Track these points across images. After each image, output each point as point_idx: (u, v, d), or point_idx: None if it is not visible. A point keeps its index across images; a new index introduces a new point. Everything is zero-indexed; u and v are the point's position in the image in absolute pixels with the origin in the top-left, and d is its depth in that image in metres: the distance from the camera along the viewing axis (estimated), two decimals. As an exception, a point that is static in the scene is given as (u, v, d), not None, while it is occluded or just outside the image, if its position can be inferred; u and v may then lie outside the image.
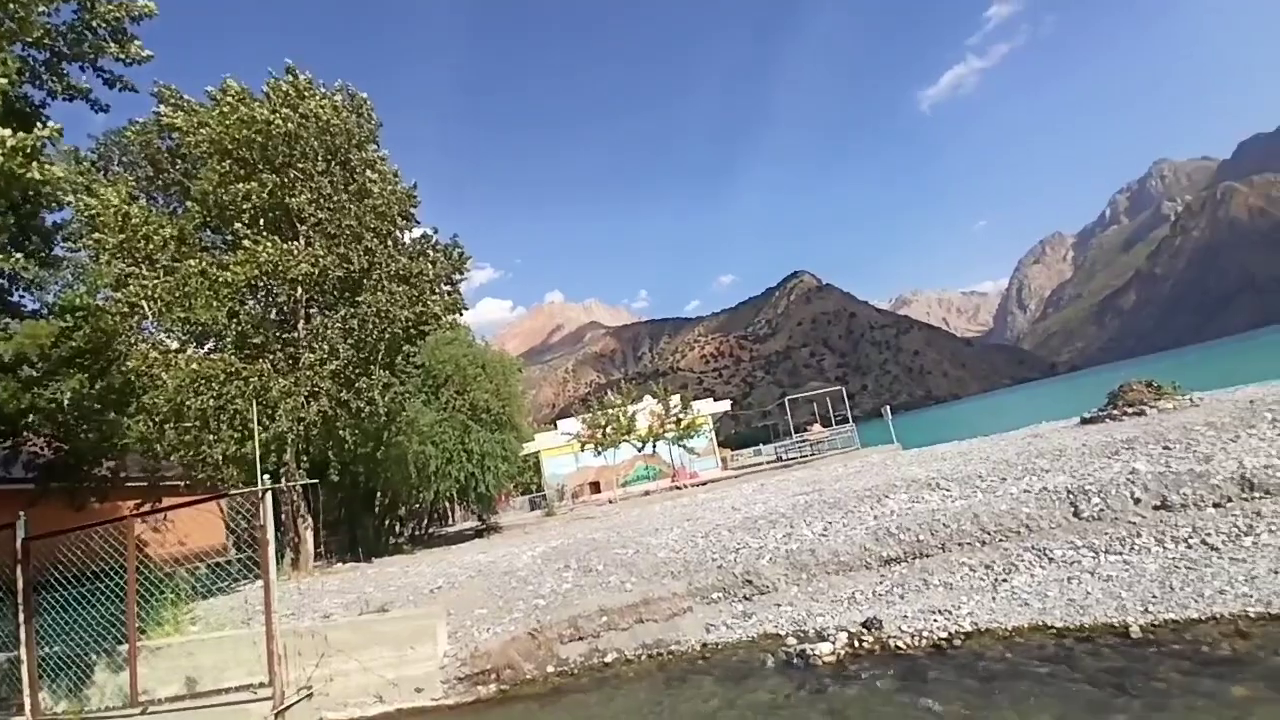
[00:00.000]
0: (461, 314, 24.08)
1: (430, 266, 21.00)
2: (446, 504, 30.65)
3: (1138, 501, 7.97)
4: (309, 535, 17.28)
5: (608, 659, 7.61)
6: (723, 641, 7.53)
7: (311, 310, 19.17)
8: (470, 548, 17.39)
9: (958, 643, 6.25)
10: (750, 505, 13.14)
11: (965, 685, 5.44)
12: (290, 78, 18.68)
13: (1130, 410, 14.22)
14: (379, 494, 21.27)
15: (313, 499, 18.32)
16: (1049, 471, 9.85)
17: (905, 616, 6.97)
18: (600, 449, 28.30)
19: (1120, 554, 7.27)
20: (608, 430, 28.20)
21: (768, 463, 30.82)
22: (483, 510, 23.35)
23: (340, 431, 17.42)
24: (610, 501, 26.28)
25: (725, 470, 31.94)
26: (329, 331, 17.94)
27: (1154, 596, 6.17)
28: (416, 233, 22.70)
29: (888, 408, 29.33)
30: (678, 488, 27.06)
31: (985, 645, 6.09)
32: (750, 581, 8.54)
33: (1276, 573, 5.96)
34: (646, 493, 27.44)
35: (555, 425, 36.37)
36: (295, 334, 18.25)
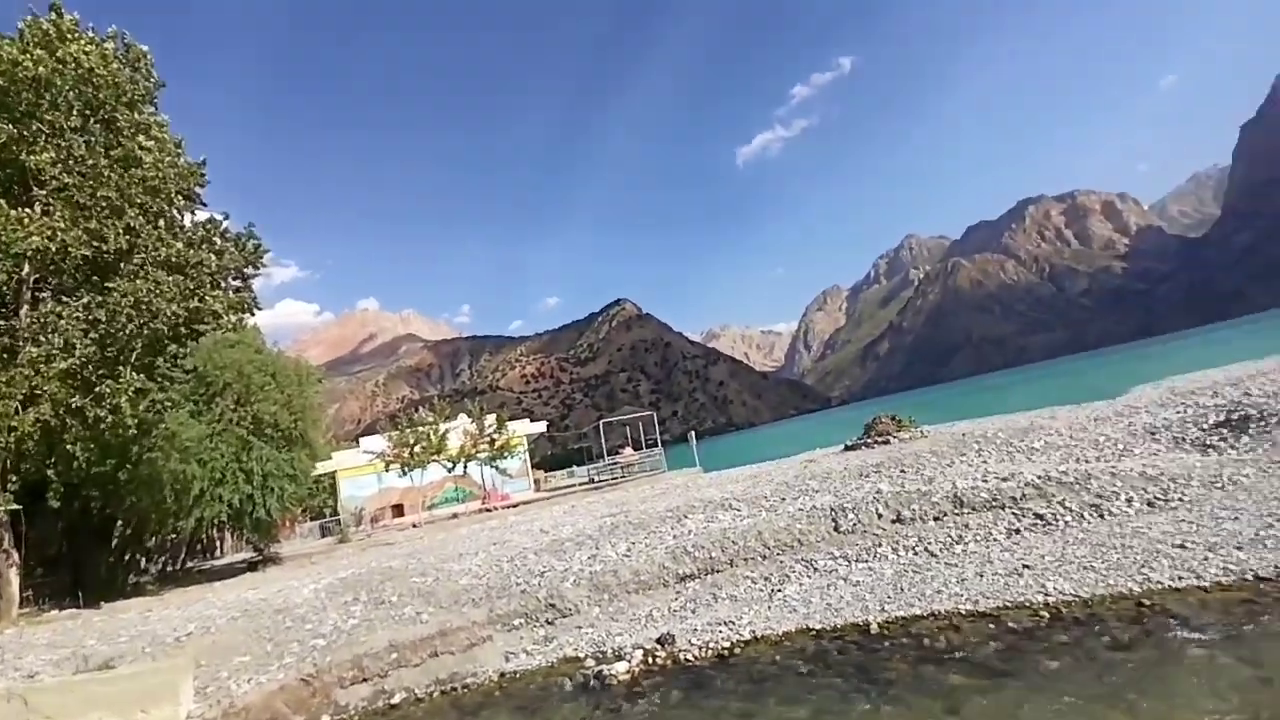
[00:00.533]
0: (252, 314, 21.17)
1: (214, 257, 18.24)
2: (214, 533, 26.33)
3: (880, 516, 9.50)
4: (14, 575, 13.77)
5: (395, 700, 7.08)
6: (522, 669, 7.43)
7: (42, 294, 15.57)
8: (238, 583, 15.15)
9: (738, 651, 6.87)
10: (559, 527, 13.22)
11: (742, 690, 6.00)
12: (54, 15, 15.38)
13: (879, 439, 16.95)
14: (119, 523, 17.64)
15: (22, 530, 14.64)
16: (818, 492, 11.34)
17: (695, 630, 7.50)
18: (406, 469, 26.37)
19: (866, 562, 8.57)
20: (416, 449, 26.39)
21: (581, 484, 31.20)
22: (260, 539, 20.45)
23: (69, 446, 14.24)
24: (414, 525, 24.61)
25: (538, 492, 31.68)
26: (63, 322, 14.68)
27: (889, 597, 7.36)
28: (201, 216, 19.64)
29: (693, 433, 31.49)
30: (488, 510, 26.23)
31: (761, 651, 6.77)
32: (554, 605, 8.57)
33: (981, 575, 7.40)
34: (454, 515, 26.18)
35: (358, 442, 33.28)
36: (15, 322, 14.67)
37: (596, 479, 30.89)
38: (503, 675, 7.37)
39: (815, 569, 8.63)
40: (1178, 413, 12.39)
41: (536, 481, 33.57)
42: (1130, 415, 13.29)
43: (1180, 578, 6.20)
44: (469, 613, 8.39)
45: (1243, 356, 25.93)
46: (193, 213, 19.34)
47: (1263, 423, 10.48)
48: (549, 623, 8.38)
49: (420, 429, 26.58)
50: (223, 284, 19.55)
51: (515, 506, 26.06)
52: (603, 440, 31.04)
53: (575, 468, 34.85)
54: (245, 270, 20.50)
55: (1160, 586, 6.18)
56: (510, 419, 31.48)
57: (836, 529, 9.41)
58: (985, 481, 9.84)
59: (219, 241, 19.40)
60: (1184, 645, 5.09)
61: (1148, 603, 5.95)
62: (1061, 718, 4.59)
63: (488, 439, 27.41)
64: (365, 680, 7.35)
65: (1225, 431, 10.81)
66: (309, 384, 19.81)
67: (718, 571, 9.01)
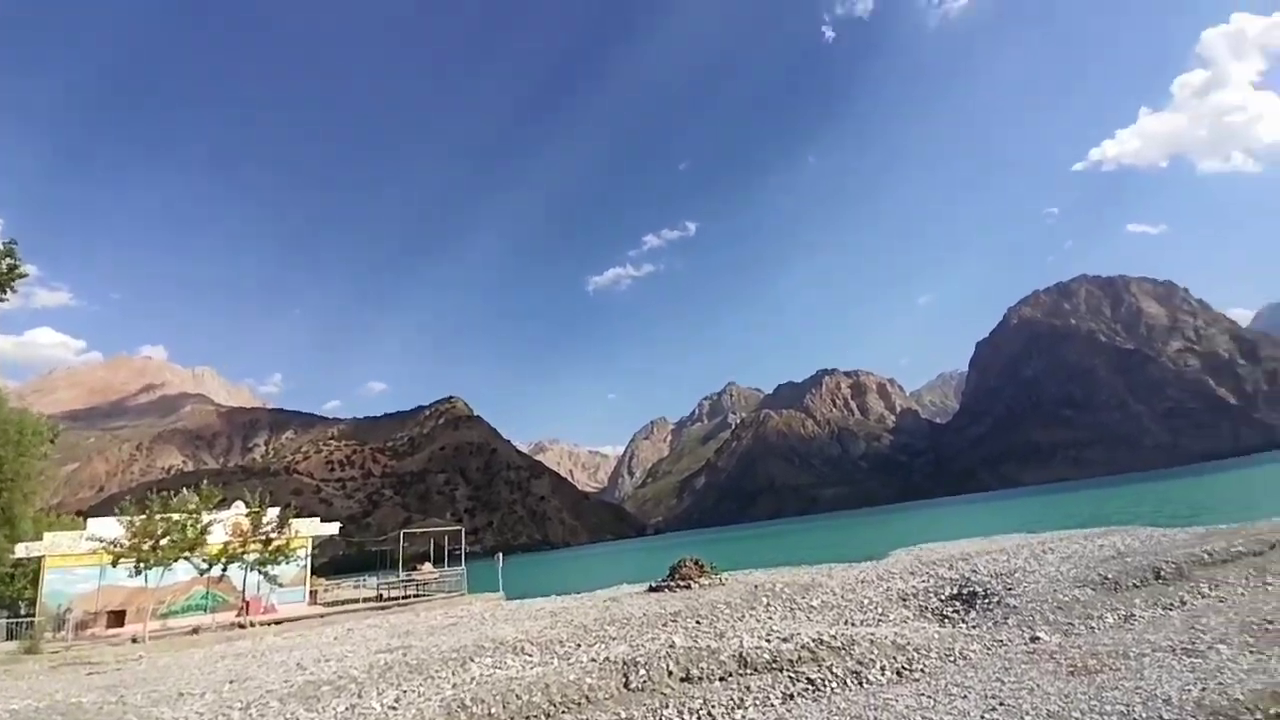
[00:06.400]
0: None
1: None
2: None
3: (671, 674, 9.44)
4: None
5: None
6: None
7: None
8: None
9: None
10: (323, 661, 11.40)
11: None
12: None
13: (681, 583, 17.35)
14: None
15: None
16: (615, 640, 11.11)
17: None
18: (143, 567, 20.93)
19: (650, 726, 8.36)
20: (163, 543, 21.23)
21: (365, 600, 27.57)
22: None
23: None
24: (135, 640, 19.68)
25: (313, 605, 27.32)
26: None
27: (666, 768, 7.16)
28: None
29: (500, 555, 29.81)
30: (242, 625, 21.97)
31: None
32: (289, 770, 7.15)
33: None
34: (195, 630, 21.50)
35: (84, 522, 26.63)
36: None
37: (386, 595, 27.63)
38: None
39: (598, 731, 8.22)
40: (923, 581, 14.28)
41: (314, 592, 29.05)
42: (888, 580, 15.08)
43: (916, 756, 6.80)
44: (170, 780, 6.67)
45: (973, 532, 31.40)
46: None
47: (986, 599, 12.40)
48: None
49: (174, 517, 21.85)
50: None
51: (280, 623, 22.17)
52: (401, 550, 28.19)
53: (365, 576, 31.06)
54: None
55: (901, 765, 6.71)
56: (299, 514, 27.44)
57: (626, 685, 9.16)
58: (769, 641, 10.35)
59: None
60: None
61: (891, 783, 6.40)
62: None
63: (262, 538, 23.41)
64: None
65: (958, 604, 12.60)
66: (31, 443, 15.97)
67: (495, 730, 8.20)
